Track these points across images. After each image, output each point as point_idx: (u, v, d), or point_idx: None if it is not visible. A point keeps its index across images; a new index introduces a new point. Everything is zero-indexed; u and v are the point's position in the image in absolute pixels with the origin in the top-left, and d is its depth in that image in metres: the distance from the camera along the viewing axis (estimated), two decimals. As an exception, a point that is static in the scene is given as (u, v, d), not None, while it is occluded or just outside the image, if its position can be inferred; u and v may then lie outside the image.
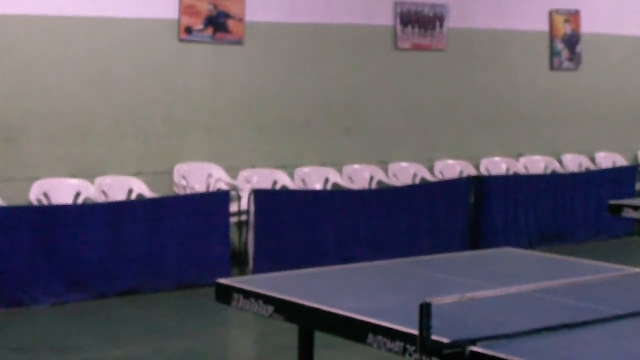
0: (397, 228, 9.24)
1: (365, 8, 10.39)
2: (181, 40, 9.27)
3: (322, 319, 3.57)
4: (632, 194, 10.66)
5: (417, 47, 10.71)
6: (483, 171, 10.97)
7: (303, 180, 9.77)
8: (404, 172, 10.46)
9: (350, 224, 9.00)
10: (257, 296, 3.86)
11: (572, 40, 11.90)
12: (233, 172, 9.47)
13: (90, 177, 8.71)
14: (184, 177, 9.17)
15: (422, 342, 2.98)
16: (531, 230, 10.16)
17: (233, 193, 8.67)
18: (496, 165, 11.18)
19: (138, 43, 9.09)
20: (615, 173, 11.09)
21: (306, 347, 4.16)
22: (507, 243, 8.08)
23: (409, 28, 10.63)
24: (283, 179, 9.60)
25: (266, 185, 9.38)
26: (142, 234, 7.96)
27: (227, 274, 7.62)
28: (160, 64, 9.20)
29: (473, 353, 2.98)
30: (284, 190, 9.34)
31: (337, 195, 9.23)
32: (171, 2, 9.18)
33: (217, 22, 9.41)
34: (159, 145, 9.17)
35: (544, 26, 11.73)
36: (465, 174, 10.56)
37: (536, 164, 11.45)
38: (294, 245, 8.55)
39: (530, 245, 9.50)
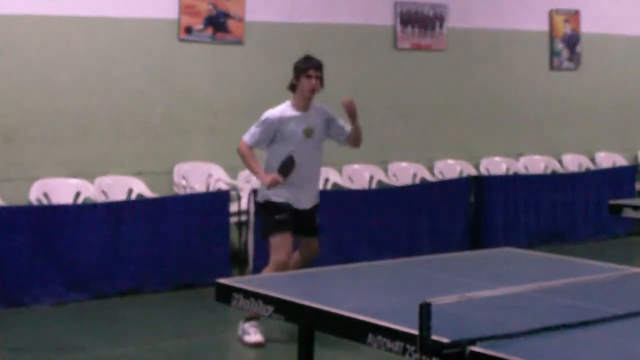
0: (397, 228, 9.24)
1: (365, 8, 10.39)
2: (181, 40, 9.27)
3: (322, 319, 3.57)
4: (632, 194, 10.66)
5: (417, 47, 10.71)
6: (483, 171, 10.97)
7: (303, 180, 9.76)
8: (404, 172, 10.46)
9: (350, 224, 8.99)
10: (257, 296, 3.86)
11: (572, 40, 11.90)
12: (233, 172, 9.47)
13: (90, 177, 8.71)
14: (184, 177, 9.17)
15: (422, 342, 2.98)
16: (531, 230, 10.16)
17: (233, 193, 8.67)
18: (496, 165, 11.18)
19: (138, 43, 9.09)
20: (615, 173, 11.09)
21: (306, 347, 4.16)
22: (507, 243, 8.08)
23: (409, 28, 10.63)
24: (283, 179, 9.59)
25: (266, 185, 9.36)
26: (142, 234, 7.96)
27: (227, 274, 7.62)
28: (160, 64, 9.20)
29: (473, 353, 2.98)
30: (284, 190, 9.33)
31: (336, 195, 9.23)
32: (171, 2, 9.18)
33: (217, 22, 9.41)
34: (159, 145, 9.17)
35: (544, 26, 11.73)
36: (465, 174, 10.56)
37: (536, 164, 11.45)
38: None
39: (530, 245, 9.49)
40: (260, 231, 6.60)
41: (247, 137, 6.35)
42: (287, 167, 6.28)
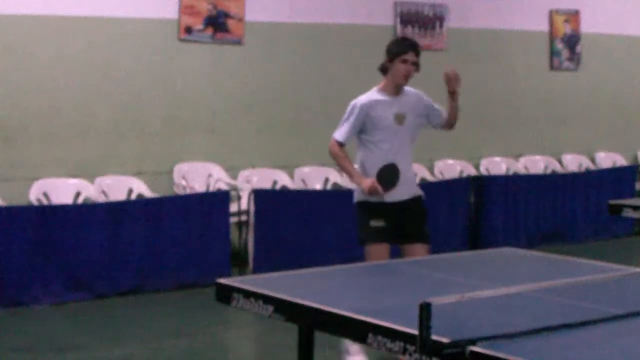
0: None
1: (365, 8, 10.39)
2: (181, 40, 9.27)
3: (322, 319, 3.57)
4: (632, 194, 10.67)
5: (417, 47, 10.70)
6: (483, 171, 10.97)
7: (303, 180, 9.77)
8: (404, 172, 10.44)
9: (350, 224, 8.95)
10: (257, 296, 3.86)
11: (572, 40, 11.90)
12: (233, 172, 9.47)
13: (90, 177, 8.72)
14: (184, 177, 9.17)
15: (422, 342, 2.98)
16: (531, 230, 10.15)
17: (233, 193, 8.67)
18: (496, 165, 11.18)
19: (138, 43, 9.09)
20: (615, 173, 11.09)
21: (306, 347, 4.16)
22: (507, 243, 8.06)
23: (409, 28, 10.62)
24: (283, 179, 9.60)
25: (266, 185, 9.38)
26: (142, 234, 7.97)
27: (227, 274, 7.62)
28: (160, 64, 9.20)
29: (473, 353, 2.97)
30: (284, 190, 9.34)
31: (337, 195, 9.22)
32: (171, 2, 9.18)
33: (217, 22, 9.41)
34: (159, 145, 9.17)
35: (544, 26, 11.73)
36: (465, 174, 10.56)
37: (536, 164, 11.45)
38: (294, 245, 8.55)
39: (530, 245, 9.48)
40: (356, 235, 5.93)
41: (337, 134, 5.78)
42: (386, 174, 5.67)
